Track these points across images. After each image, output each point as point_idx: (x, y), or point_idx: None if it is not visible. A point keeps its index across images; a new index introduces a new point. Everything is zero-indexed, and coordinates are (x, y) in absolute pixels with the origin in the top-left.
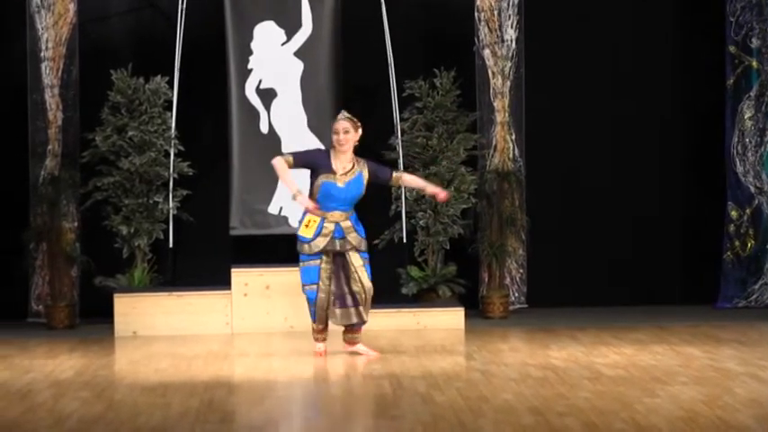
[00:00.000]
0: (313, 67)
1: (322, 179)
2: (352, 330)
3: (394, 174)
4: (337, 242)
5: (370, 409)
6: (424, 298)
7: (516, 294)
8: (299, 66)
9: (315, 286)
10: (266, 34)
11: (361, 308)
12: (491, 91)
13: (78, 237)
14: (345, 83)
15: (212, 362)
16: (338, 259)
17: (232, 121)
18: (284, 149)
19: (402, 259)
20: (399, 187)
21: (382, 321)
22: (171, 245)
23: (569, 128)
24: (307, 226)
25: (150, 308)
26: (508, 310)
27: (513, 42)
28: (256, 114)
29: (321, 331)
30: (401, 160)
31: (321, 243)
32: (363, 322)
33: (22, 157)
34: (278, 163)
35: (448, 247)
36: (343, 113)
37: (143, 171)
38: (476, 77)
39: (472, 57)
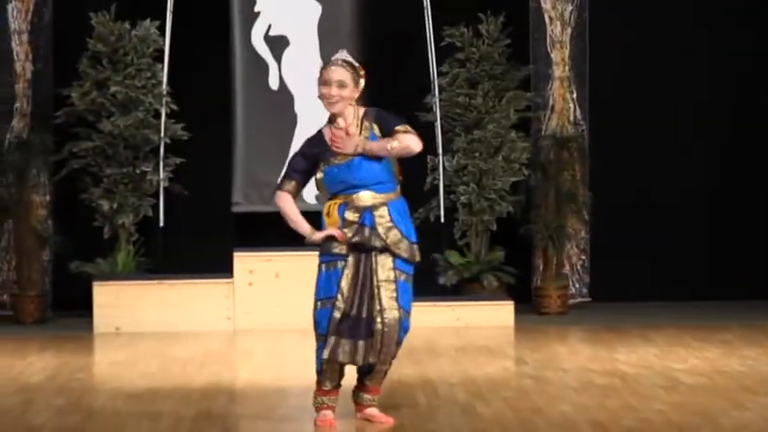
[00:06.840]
0: (333, 10)
1: (322, 168)
2: (362, 384)
3: (398, 130)
4: (367, 231)
5: (401, 423)
6: (465, 289)
7: (577, 286)
8: (315, 9)
9: (330, 302)
10: None
11: (373, 343)
12: (548, 40)
13: (51, 213)
14: (372, 30)
15: (210, 364)
16: (362, 264)
17: (235, 75)
18: (297, 109)
19: (439, 243)
20: None
21: (415, 317)
22: (161, 223)
23: (642, 86)
24: (328, 215)
25: (136, 299)
26: (567, 304)
27: None
28: (264, 67)
29: (328, 392)
30: (438, 123)
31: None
32: (376, 371)
33: None
34: (282, 202)
35: (494, 229)
36: (341, 54)
37: (128, 135)
38: (529, 24)
39: None
